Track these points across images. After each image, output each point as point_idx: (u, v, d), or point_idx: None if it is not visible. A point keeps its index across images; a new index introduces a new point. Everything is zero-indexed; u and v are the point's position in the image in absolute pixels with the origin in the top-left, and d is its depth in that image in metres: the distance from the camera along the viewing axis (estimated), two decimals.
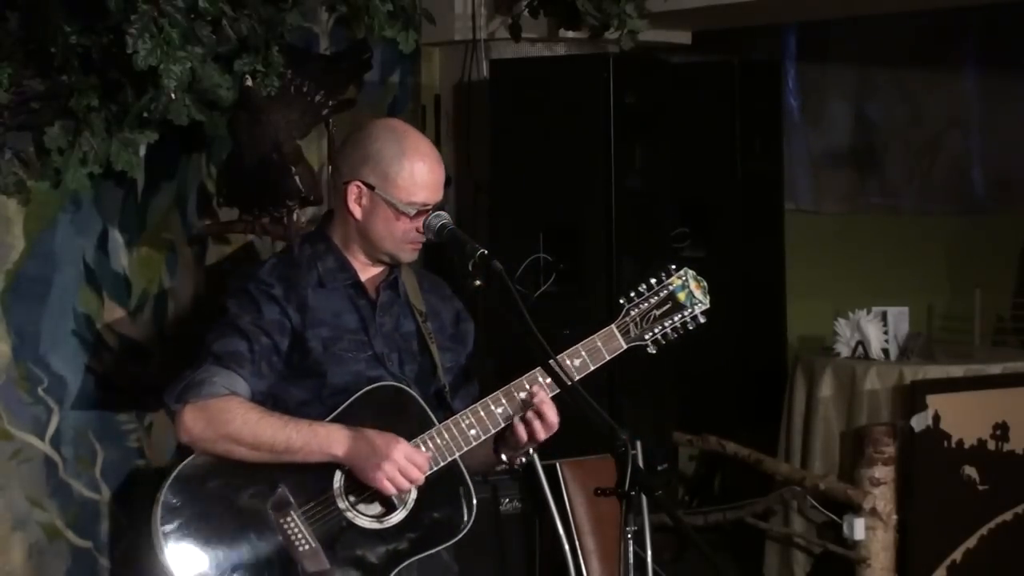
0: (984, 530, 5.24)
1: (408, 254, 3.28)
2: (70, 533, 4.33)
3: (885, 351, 5.49)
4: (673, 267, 3.36)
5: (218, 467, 3.15)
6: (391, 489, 3.11)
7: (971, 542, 5.22)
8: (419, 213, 3.22)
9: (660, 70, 5.41)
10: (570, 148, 5.20)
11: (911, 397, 5.20)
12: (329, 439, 3.12)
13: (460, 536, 3.21)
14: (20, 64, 4.00)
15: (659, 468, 5.19)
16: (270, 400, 3.20)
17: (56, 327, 4.28)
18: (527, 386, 3.20)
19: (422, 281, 3.41)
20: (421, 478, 3.13)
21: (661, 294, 3.32)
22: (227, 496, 3.13)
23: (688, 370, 5.33)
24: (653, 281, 3.32)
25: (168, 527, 3.09)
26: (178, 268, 4.56)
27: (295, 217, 4.45)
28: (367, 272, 3.32)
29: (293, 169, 4.36)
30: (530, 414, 3.18)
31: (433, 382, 3.31)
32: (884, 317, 5.53)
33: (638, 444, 4.27)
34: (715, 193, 5.61)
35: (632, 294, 3.31)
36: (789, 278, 6.03)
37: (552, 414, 3.19)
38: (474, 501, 3.22)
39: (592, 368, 3.26)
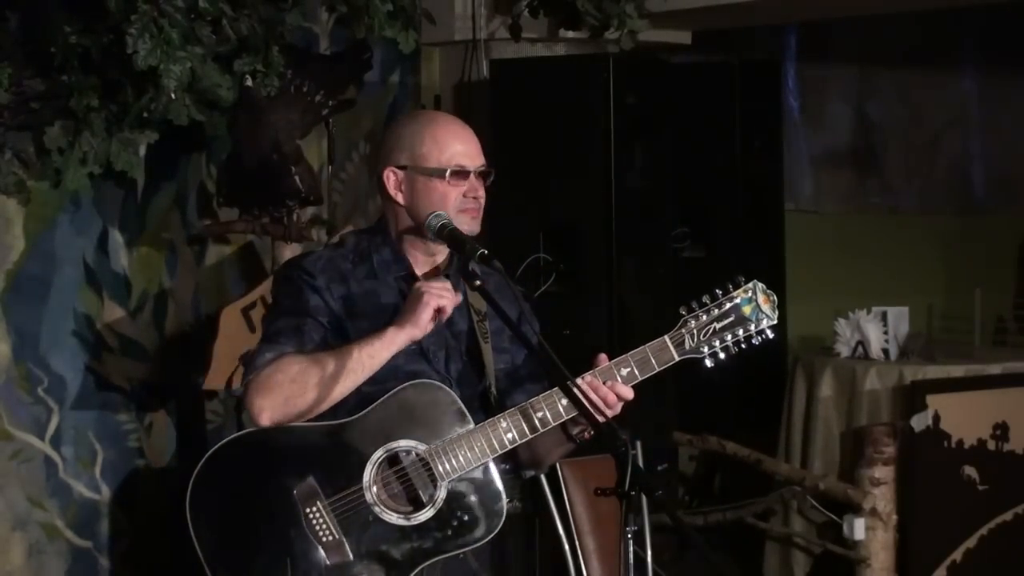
0: (984, 530, 5.24)
1: (467, 223, 3.23)
2: (70, 533, 4.33)
3: (885, 351, 5.49)
4: (742, 279, 3.23)
5: (250, 451, 3.14)
6: (433, 307, 3.10)
7: (971, 542, 5.22)
8: (457, 175, 3.20)
9: (660, 70, 5.41)
10: (570, 148, 5.20)
11: (911, 397, 5.20)
12: (382, 338, 3.10)
13: (487, 540, 3.18)
14: (20, 64, 4.00)
15: (659, 468, 5.19)
16: None
17: (56, 327, 4.29)
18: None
19: (487, 280, 3.32)
20: (450, 294, 3.12)
21: (724, 306, 3.21)
22: (257, 480, 3.12)
23: (688, 370, 5.32)
24: (718, 292, 3.22)
25: (196, 505, 3.10)
26: (178, 268, 4.56)
27: (295, 217, 4.45)
28: (426, 265, 3.28)
29: (293, 169, 4.36)
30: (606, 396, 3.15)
31: (480, 383, 3.28)
32: (884, 317, 5.53)
33: (638, 444, 4.27)
34: (715, 193, 5.61)
35: (693, 304, 3.20)
36: (789, 278, 6.02)
37: (622, 392, 3.17)
38: (504, 506, 3.19)
39: (640, 378, 3.19)
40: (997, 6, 5.91)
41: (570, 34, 5.43)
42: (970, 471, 5.23)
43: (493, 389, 3.27)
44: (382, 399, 3.16)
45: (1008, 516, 5.28)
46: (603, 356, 3.21)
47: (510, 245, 5.10)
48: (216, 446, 3.15)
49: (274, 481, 3.13)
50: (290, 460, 3.13)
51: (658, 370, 3.22)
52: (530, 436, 3.17)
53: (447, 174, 3.20)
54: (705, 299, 3.22)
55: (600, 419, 3.12)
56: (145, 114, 4.02)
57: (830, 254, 6.85)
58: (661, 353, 3.21)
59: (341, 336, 3.20)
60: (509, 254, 4.76)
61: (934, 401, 5.17)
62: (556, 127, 5.21)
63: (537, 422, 3.17)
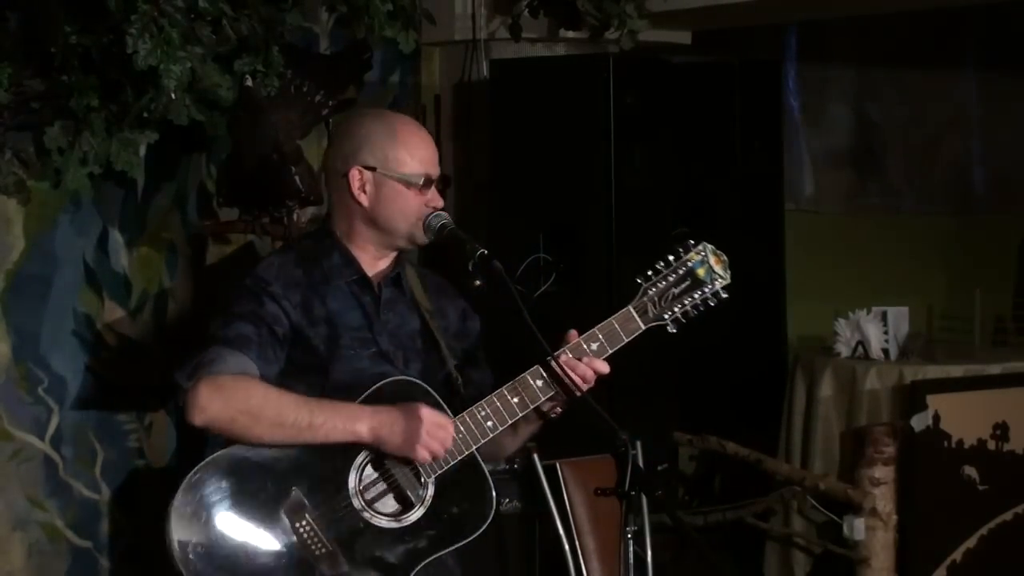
0: (984, 530, 5.23)
1: (422, 235, 3.24)
2: (70, 533, 4.33)
3: (885, 351, 5.49)
4: (691, 241, 3.29)
5: (229, 472, 3.09)
6: (426, 456, 3.07)
7: (971, 542, 5.21)
8: (425, 184, 3.21)
9: (660, 70, 5.41)
10: (570, 148, 5.19)
11: (911, 397, 5.20)
12: (352, 415, 3.07)
13: (482, 531, 3.17)
14: (20, 64, 4.00)
15: (659, 468, 5.18)
16: None
17: (56, 327, 4.29)
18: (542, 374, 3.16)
19: (426, 280, 3.38)
20: (450, 440, 3.09)
21: (680, 271, 3.26)
22: (240, 501, 3.08)
23: (688, 370, 5.32)
24: (671, 258, 3.26)
25: (182, 536, 3.03)
26: (178, 268, 4.57)
27: (295, 217, 4.45)
28: (373, 267, 3.29)
29: (293, 169, 4.36)
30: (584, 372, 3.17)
31: (442, 380, 3.28)
32: (884, 317, 5.53)
33: (638, 444, 4.27)
34: (715, 193, 5.60)
35: (649, 272, 3.25)
36: (789, 278, 6.02)
37: (599, 368, 3.18)
38: (493, 494, 3.18)
39: (610, 351, 3.21)
40: (997, 6, 5.91)
41: (570, 34, 5.43)
42: (970, 471, 5.23)
43: (459, 380, 3.27)
44: (360, 400, 3.14)
45: (1008, 516, 5.28)
46: (573, 332, 3.23)
47: (510, 245, 5.10)
48: (190, 474, 3.07)
49: (259, 500, 3.07)
50: (272, 475, 3.08)
51: (626, 341, 3.25)
52: (510, 421, 3.17)
53: (421, 182, 3.19)
54: (660, 265, 3.25)
55: (577, 395, 3.13)
56: (145, 114, 4.02)
57: (830, 254, 6.85)
58: (627, 324, 3.24)
59: (302, 345, 3.17)
60: (509, 254, 4.76)
61: (934, 401, 5.17)
62: (556, 127, 5.21)
63: (515, 406, 3.17)
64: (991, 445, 5.27)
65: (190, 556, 3.03)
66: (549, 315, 4.27)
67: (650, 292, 3.25)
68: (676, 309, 3.25)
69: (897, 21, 6.36)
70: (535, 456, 4.08)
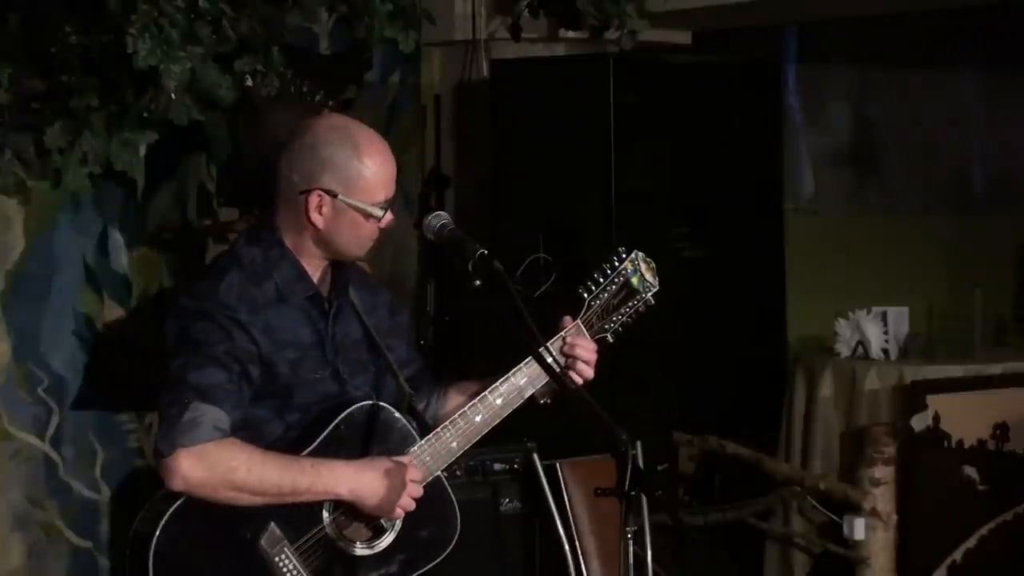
0: (984, 530, 5.24)
1: (369, 252, 3.25)
2: (70, 533, 4.32)
3: (885, 351, 5.49)
4: (622, 250, 3.33)
5: (205, 511, 3.06)
6: (400, 514, 3.11)
7: (971, 542, 5.22)
8: (384, 211, 3.18)
9: (660, 70, 5.41)
10: (570, 148, 5.20)
11: (911, 397, 5.20)
12: (334, 477, 3.07)
13: (450, 549, 3.21)
14: (20, 64, 4.00)
15: (659, 468, 5.19)
16: (240, 424, 3.10)
17: (56, 327, 4.28)
18: (500, 391, 3.20)
19: (351, 277, 3.33)
20: (420, 493, 3.13)
21: (617, 281, 3.31)
22: (219, 540, 3.06)
23: (688, 370, 5.33)
24: (607, 268, 3.31)
25: (161, 569, 3.03)
26: (178, 268, 4.56)
27: None
28: (318, 276, 3.26)
29: None
30: (579, 364, 3.24)
31: (390, 384, 3.28)
32: (884, 317, 5.53)
33: (638, 444, 4.27)
34: (715, 193, 5.60)
35: (589, 283, 3.30)
36: (789, 278, 6.02)
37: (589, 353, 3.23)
38: (457, 513, 3.23)
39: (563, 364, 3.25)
40: (997, 6, 5.91)
41: (570, 34, 5.43)
42: (970, 471, 5.23)
43: (407, 389, 3.27)
44: (327, 432, 3.13)
45: (1008, 516, 5.28)
46: (568, 318, 3.26)
47: (510, 245, 5.10)
48: (170, 509, 3.04)
49: (238, 537, 3.06)
50: (248, 511, 3.06)
51: None
52: (474, 440, 3.20)
53: (382, 214, 3.16)
54: (599, 277, 3.29)
55: (580, 381, 3.24)
56: (145, 114, 4.02)
57: (830, 254, 6.85)
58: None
59: (270, 373, 3.12)
60: (509, 254, 4.77)
61: (934, 401, 5.17)
62: (556, 127, 5.21)
63: (479, 423, 3.21)
64: (991, 445, 5.27)
65: None
66: (549, 315, 4.28)
67: (594, 305, 3.30)
68: (615, 320, 3.32)
69: (897, 21, 6.36)
70: (535, 456, 4.08)
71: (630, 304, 3.31)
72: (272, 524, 3.07)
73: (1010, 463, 5.28)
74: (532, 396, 3.30)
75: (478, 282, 3.07)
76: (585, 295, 3.30)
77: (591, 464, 4.09)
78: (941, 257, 7.14)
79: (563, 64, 5.42)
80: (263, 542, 3.06)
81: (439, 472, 3.21)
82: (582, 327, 3.28)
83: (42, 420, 4.26)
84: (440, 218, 3.20)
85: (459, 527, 3.22)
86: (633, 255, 3.33)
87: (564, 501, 4.16)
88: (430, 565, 3.21)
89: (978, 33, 6.95)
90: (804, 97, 6.95)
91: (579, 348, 3.27)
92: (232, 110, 4.23)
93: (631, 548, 2.87)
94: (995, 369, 5.47)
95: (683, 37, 5.84)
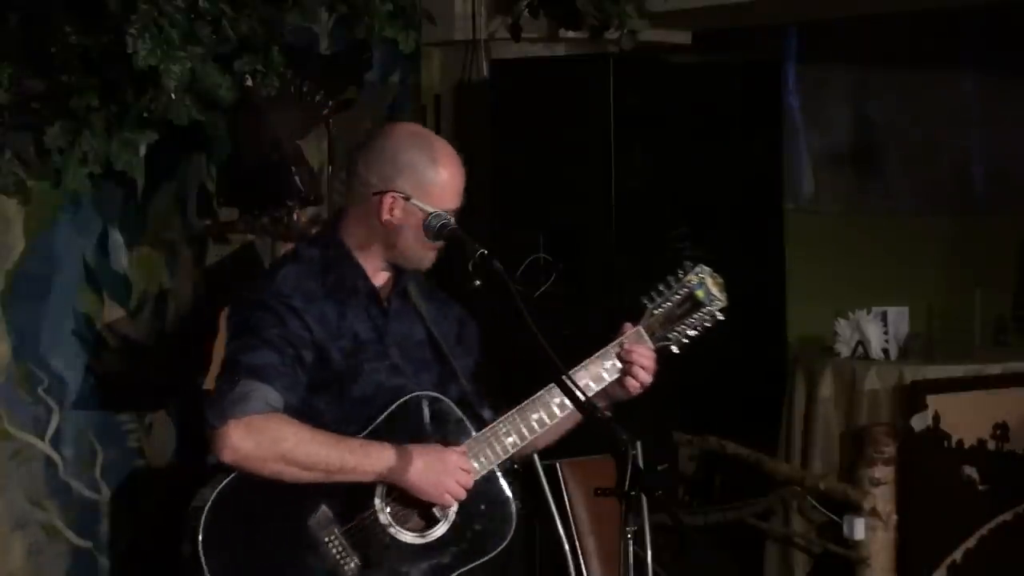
0: (984, 530, 5.24)
1: (430, 261, 3.29)
2: (70, 533, 4.32)
3: (885, 351, 5.49)
4: (689, 263, 3.34)
5: (256, 490, 3.09)
6: (451, 501, 3.11)
7: (971, 542, 5.22)
8: None
9: (660, 70, 5.41)
10: (570, 148, 5.20)
11: (911, 397, 5.20)
12: (381, 458, 3.09)
13: (503, 547, 3.20)
14: (20, 64, 4.00)
15: (659, 468, 5.18)
16: (298, 412, 3.14)
17: (56, 327, 4.28)
18: (558, 397, 3.19)
19: (423, 288, 3.40)
20: (471, 482, 3.12)
21: (681, 292, 3.32)
22: (269, 519, 3.09)
23: (688, 370, 5.32)
24: (671, 280, 3.32)
25: (212, 558, 3.04)
26: (178, 268, 4.56)
27: (295, 217, 4.45)
28: (378, 278, 3.31)
29: (293, 169, 4.36)
30: (636, 369, 3.26)
31: (453, 387, 3.30)
32: (884, 317, 5.53)
33: (638, 444, 4.26)
34: (715, 193, 5.60)
35: (653, 293, 3.31)
36: (789, 278, 6.02)
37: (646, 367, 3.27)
38: (514, 510, 3.22)
39: (621, 369, 3.28)
40: (997, 6, 5.91)
41: (570, 34, 5.42)
42: (970, 471, 5.23)
43: (468, 390, 3.29)
44: (383, 418, 3.16)
45: (1008, 516, 5.28)
46: (628, 324, 3.30)
47: (510, 245, 5.10)
48: (219, 487, 3.09)
49: (288, 514, 3.09)
50: (299, 490, 3.09)
51: None
52: (530, 438, 3.19)
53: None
54: (663, 288, 3.31)
55: (639, 388, 3.30)
56: (145, 114, 4.02)
57: (830, 254, 6.85)
58: (638, 343, 3.31)
59: (322, 360, 3.17)
60: (509, 254, 4.77)
61: (934, 401, 5.17)
62: (556, 127, 5.21)
63: (534, 422, 3.19)
64: (991, 445, 5.27)
65: (218, 568, 3.04)
66: (549, 315, 4.28)
67: (655, 313, 3.31)
68: (679, 330, 3.33)
69: (897, 21, 6.36)
70: (535, 456, 4.08)
71: (695, 316, 3.33)
72: (323, 505, 3.09)
73: (1010, 463, 5.28)
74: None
75: (478, 282, 3.07)
76: (647, 303, 3.31)
77: (591, 464, 4.09)
78: (941, 257, 7.14)
79: (563, 64, 5.41)
80: (312, 522, 3.08)
81: (494, 467, 3.19)
82: (643, 333, 3.30)
83: (42, 420, 4.26)
84: (440, 218, 3.20)
85: (515, 525, 3.21)
86: (699, 268, 3.35)
87: (564, 501, 4.16)
88: (483, 560, 3.19)
89: (978, 33, 6.96)
90: (804, 97, 6.95)
91: (636, 354, 3.28)
92: (232, 110, 4.23)
93: (631, 548, 2.86)
94: (995, 369, 5.47)
95: (683, 37, 5.84)
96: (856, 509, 5.11)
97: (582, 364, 3.26)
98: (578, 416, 3.23)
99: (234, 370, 3.13)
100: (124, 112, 4.07)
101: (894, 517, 5.12)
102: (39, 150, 4.11)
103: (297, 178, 4.36)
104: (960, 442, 5.22)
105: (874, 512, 5.09)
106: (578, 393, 3.02)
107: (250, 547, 3.08)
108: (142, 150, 4.25)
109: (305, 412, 3.15)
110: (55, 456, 4.29)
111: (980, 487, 5.24)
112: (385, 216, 3.22)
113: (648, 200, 5.27)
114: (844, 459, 5.35)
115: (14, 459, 4.21)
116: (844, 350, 5.54)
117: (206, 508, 3.07)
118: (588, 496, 4.12)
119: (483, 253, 3.09)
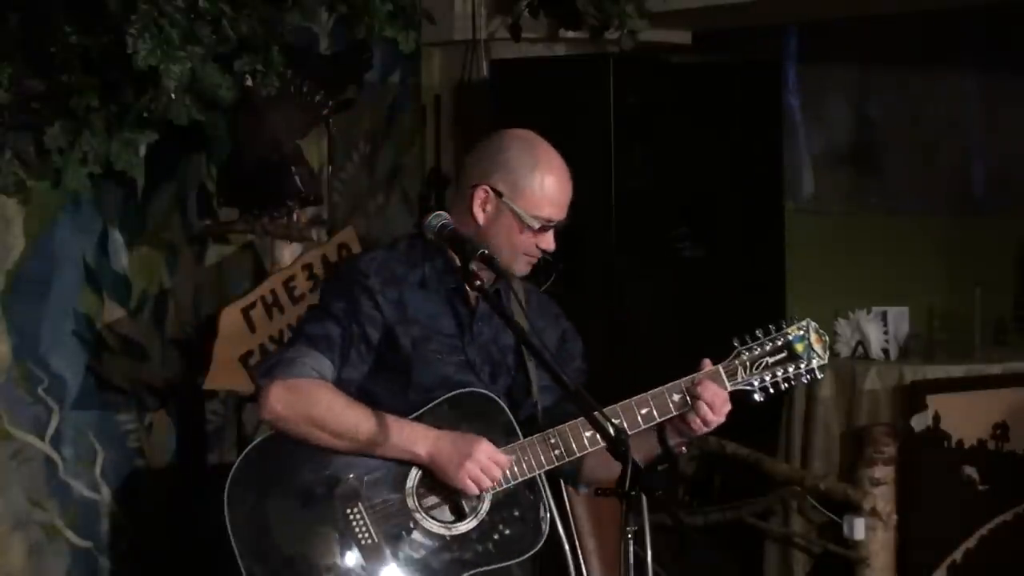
0: (984, 530, 5.24)
1: (522, 267, 3.26)
2: (70, 533, 4.33)
3: (885, 351, 5.49)
4: (794, 317, 3.26)
5: (293, 448, 3.12)
6: (473, 488, 3.07)
7: (971, 542, 5.22)
8: (542, 228, 3.21)
9: (660, 70, 5.41)
10: (570, 148, 5.17)
11: (911, 397, 5.20)
12: (413, 436, 3.08)
13: (530, 555, 3.18)
14: (20, 64, 4.00)
15: (659, 468, 5.18)
16: (358, 391, 3.15)
17: (56, 327, 4.29)
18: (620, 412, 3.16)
19: (530, 298, 3.35)
20: (500, 477, 3.09)
21: (778, 342, 3.23)
22: (297, 477, 3.11)
23: (688, 370, 5.31)
24: (772, 327, 3.24)
25: (236, 501, 3.07)
26: (178, 268, 4.57)
27: (295, 217, 4.45)
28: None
29: (293, 169, 4.36)
30: (701, 405, 3.18)
31: (526, 400, 3.26)
32: (884, 317, 5.53)
33: None
34: (715, 193, 5.60)
35: (747, 336, 3.22)
36: (789, 278, 6.02)
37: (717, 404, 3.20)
38: (546, 524, 3.19)
39: (688, 407, 3.21)
40: (997, 6, 5.90)
41: (570, 34, 5.42)
42: (970, 471, 5.23)
43: (539, 406, 3.26)
44: (431, 405, 3.14)
45: (1008, 516, 5.28)
46: (707, 360, 3.22)
47: None
48: (257, 440, 3.15)
49: (315, 479, 3.11)
50: (332, 459, 3.11)
51: None
52: (579, 454, 3.17)
53: (537, 226, 3.20)
54: (759, 333, 3.22)
55: (702, 427, 3.21)
56: (145, 114, 4.03)
57: (830, 254, 6.84)
58: (713, 381, 3.22)
59: (390, 343, 3.17)
60: None
61: (934, 401, 5.17)
62: (556, 127, 5.18)
63: (586, 440, 3.16)
64: (991, 445, 5.27)
65: (238, 517, 3.07)
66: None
67: (743, 356, 3.23)
68: (767, 378, 3.23)
69: (897, 21, 6.36)
70: None
71: (788, 368, 3.23)
72: (351, 477, 3.10)
73: (1010, 463, 5.28)
74: (663, 438, 3.26)
75: (478, 282, 3.07)
76: (736, 343, 3.24)
77: None
78: (941, 257, 7.13)
79: (563, 64, 5.41)
80: (338, 492, 3.09)
81: (538, 475, 3.17)
82: (721, 373, 3.21)
83: (42, 420, 4.27)
84: (440, 218, 3.20)
85: (546, 536, 3.18)
86: (805, 322, 3.25)
87: (564, 501, 4.16)
88: (503, 564, 3.16)
89: (978, 33, 6.95)
90: (804, 97, 6.94)
91: (705, 389, 3.20)
92: (232, 110, 4.23)
93: (631, 548, 2.86)
94: (995, 369, 5.47)
95: (683, 37, 5.83)
96: (856, 509, 5.10)
97: (650, 392, 3.21)
98: (643, 457, 3.18)
99: (295, 336, 3.19)
100: (124, 112, 4.07)
101: (894, 517, 5.11)
102: (39, 150, 4.12)
103: (297, 178, 4.36)
104: (960, 442, 5.22)
105: (874, 512, 5.08)
106: (566, 380, 2.99)
107: (271, 504, 3.09)
108: (142, 150, 4.26)
109: (367, 397, 3.15)
110: (55, 456, 4.29)
111: (980, 487, 5.24)
112: (476, 209, 3.20)
113: (648, 200, 5.27)
114: (844, 459, 5.35)
115: (14, 459, 4.21)
116: (844, 350, 5.53)
117: (237, 461, 3.12)
118: (588, 496, 4.12)
119: (483, 252, 3.09)
